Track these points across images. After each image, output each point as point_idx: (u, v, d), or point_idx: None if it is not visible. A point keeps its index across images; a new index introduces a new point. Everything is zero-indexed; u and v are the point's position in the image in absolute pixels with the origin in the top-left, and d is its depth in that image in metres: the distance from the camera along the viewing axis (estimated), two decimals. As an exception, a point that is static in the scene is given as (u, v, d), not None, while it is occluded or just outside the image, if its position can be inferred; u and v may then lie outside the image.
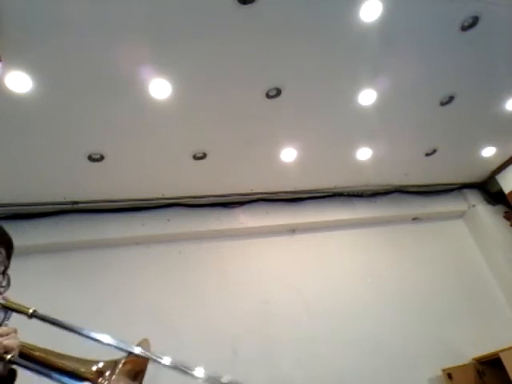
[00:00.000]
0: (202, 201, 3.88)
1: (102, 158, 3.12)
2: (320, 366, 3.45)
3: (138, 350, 1.17)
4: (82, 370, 1.12)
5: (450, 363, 3.66)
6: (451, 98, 3.42)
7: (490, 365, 3.63)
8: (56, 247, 3.42)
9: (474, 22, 2.79)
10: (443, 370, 3.61)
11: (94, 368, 1.13)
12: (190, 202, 3.84)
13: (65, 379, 1.09)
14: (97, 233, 3.52)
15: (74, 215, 3.49)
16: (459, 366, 3.65)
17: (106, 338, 1.18)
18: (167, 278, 3.61)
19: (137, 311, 3.27)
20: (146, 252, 3.69)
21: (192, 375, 1.18)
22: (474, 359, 3.75)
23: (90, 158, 3.10)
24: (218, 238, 3.89)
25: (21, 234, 3.29)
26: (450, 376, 3.56)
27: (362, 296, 3.95)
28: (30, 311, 1.15)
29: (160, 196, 3.70)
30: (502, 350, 3.45)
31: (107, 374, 1.11)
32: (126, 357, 1.15)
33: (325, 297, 3.87)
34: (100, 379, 1.10)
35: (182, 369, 1.19)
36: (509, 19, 2.84)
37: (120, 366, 1.12)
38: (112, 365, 1.13)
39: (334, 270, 4.07)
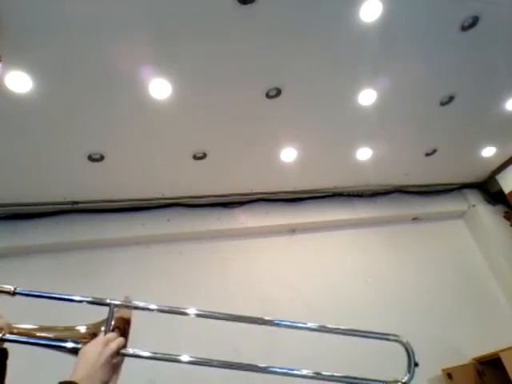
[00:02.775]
0: (202, 201, 3.88)
1: (102, 158, 3.12)
2: (320, 366, 3.45)
3: (124, 302, 1.22)
4: (75, 335, 1.13)
5: (450, 363, 3.66)
6: (451, 98, 3.42)
7: (490, 365, 3.63)
8: (56, 247, 3.42)
9: (474, 21, 2.78)
10: (443, 370, 3.61)
11: (84, 331, 1.15)
12: (190, 202, 3.84)
13: (60, 344, 1.11)
14: (97, 233, 3.52)
15: (73, 215, 3.49)
16: (459, 366, 3.65)
17: (90, 298, 1.21)
18: (167, 277, 3.61)
19: (136, 311, 3.26)
20: (146, 252, 3.69)
21: (185, 313, 1.23)
22: (473, 359, 3.75)
23: (90, 158, 3.10)
24: (217, 238, 3.89)
25: (21, 234, 3.30)
26: (449, 376, 3.56)
27: (361, 296, 3.95)
28: (12, 288, 1.15)
29: (160, 196, 3.70)
30: (502, 350, 3.45)
31: (102, 331, 1.13)
32: (117, 312, 1.19)
33: (325, 297, 3.87)
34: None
35: (171, 311, 1.22)
36: (509, 19, 2.84)
37: (112, 322, 1.15)
38: (103, 323, 1.15)
39: (334, 270, 4.07)
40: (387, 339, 1.29)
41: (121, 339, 1.09)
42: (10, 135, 2.75)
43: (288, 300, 3.77)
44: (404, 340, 1.25)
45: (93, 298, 1.20)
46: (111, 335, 1.10)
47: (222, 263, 3.82)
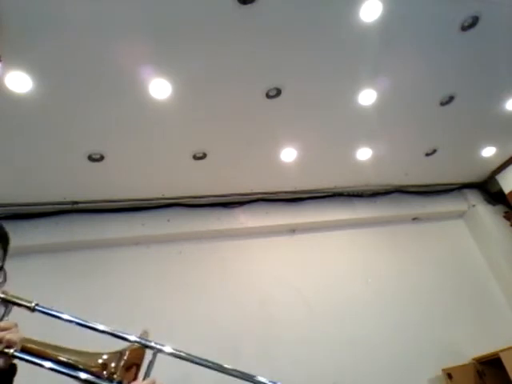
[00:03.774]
0: (202, 201, 3.88)
1: (102, 158, 3.12)
2: (320, 366, 3.45)
3: (140, 339, 1.17)
4: (86, 362, 1.11)
5: (450, 363, 3.66)
6: (451, 98, 3.42)
7: (490, 365, 3.63)
8: (56, 247, 3.42)
9: (473, 21, 2.79)
10: (443, 370, 3.61)
11: (99, 361, 1.12)
12: (190, 202, 3.84)
13: (68, 372, 1.09)
14: (97, 233, 3.52)
15: (74, 215, 3.49)
16: (459, 366, 3.66)
17: (108, 329, 1.18)
18: (167, 277, 3.61)
19: (137, 311, 3.26)
20: (146, 252, 3.69)
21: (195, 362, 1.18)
22: (473, 359, 3.75)
23: (90, 158, 3.10)
24: (217, 238, 3.89)
25: (21, 234, 3.30)
26: (450, 376, 3.56)
27: (361, 296, 3.95)
28: (33, 304, 1.14)
29: (160, 196, 3.70)
30: (502, 350, 3.45)
31: (112, 365, 1.11)
32: (129, 347, 1.15)
33: (325, 297, 3.87)
34: (105, 372, 1.10)
35: (185, 357, 1.18)
36: (509, 19, 2.84)
37: (125, 357, 1.12)
38: (116, 356, 1.12)
39: (333, 270, 4.07)
40: None
41: None
42: (10, 135, 2.75)
43: (288, 300, 3.77)
44: None
45: (140, 337, 1.17)
46: (149, 382, 1.08)
47: (222, 263, 3.82)
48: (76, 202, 3.45)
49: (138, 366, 1.15)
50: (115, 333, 1.17)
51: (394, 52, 2.89)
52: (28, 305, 1.14)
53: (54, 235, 3.41)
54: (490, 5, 2.70)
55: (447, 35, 2.87)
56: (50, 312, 1.16)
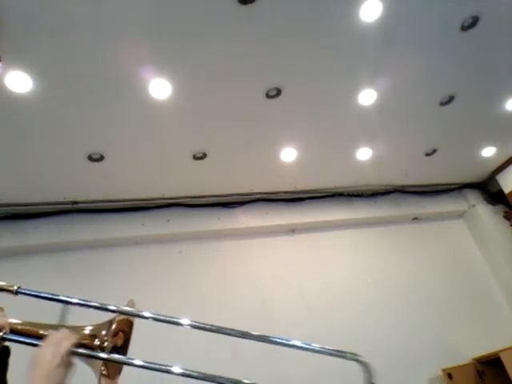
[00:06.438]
0: (202, 201, 3.88)
1: (102, 157, 3.12)
2: (320, 366, 3.45)
3: (127, 309, 1.17)
4: (75, 336, 1.10)
5: (450, 363, 3.66)
6: (451, 98, 3.42)
7: (489, 365, 3.63)
8: (56, 247, 3.42)
9: (474, 21, 2.79)
10: (443, 370, 3.61)
11: (87, 332, 1.12)
12: (190, 202, 3.84)
13: None
14: (97, 233, 3.52)
15: (74, 215, 3.49)
16: (459, 366, 3.66)
17: (93, 303, 1.18)
18: (167, 277, 3.61)
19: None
20: (145, 252, 3.69)
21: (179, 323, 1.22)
22: (473, 359, 3.75)
23: (90, 158, 3.10)
24: (217, 238, 3.90)
25: (21, 234, 3.30)
26: (450, 376, 3.56)
27: (361, 296, 3.95)
28: (15, 288, 1.15)
29: (160, 196, 3.70)
30: (501, 350, 3.46)
31: (102, 334, 1.10)
32: (117, 316, 1.15)
33: (325, 297, 3.87)
34: (96, 341, 1.09)
35: (167, 320, 1.21)
36: (509, 19, 2.84)
37: (114, 324, 1.12)
38: (105, 326, 1.12)
39: (333, 270, 4.07)
40: (344, 357, 1.16)
41: (73, 337, 1.05)
42: (10, 135, 2.75)
43: (288, 300, 3.77)
44: (362, 359, 1.12)
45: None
46: (63, 334, 1.06)
47: (221, 263, 3.82)
48: (76, 202, 3.45)
49: (125, 332, 1.16)
50: (99, 305, 1.17)
51: (393, 52, 2.89)
52: (10, 288, 1.15)
53: (54, 235, 3.41)
54: (490, 5, 2.70)
55: (447, 35, 2.87)
56: (33, 293, 1.17)
